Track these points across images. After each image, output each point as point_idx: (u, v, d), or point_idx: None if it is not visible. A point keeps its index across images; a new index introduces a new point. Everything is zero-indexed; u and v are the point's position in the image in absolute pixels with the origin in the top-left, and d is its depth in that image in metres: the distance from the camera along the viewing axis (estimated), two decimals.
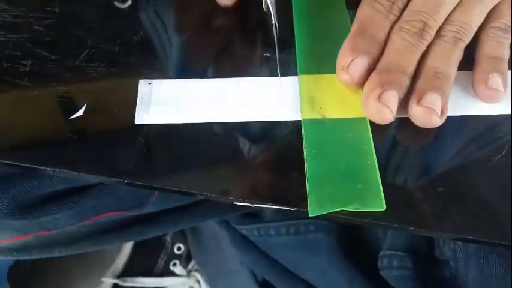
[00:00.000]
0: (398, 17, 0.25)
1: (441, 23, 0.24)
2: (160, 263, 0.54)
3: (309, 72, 0.25)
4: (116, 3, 0.28)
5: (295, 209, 0.21)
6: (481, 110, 0.25)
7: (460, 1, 0.25)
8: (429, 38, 0.24)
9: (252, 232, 0.43)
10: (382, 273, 0.33)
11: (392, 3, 0.25)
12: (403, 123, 0.23)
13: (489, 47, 0.25)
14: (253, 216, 0.43)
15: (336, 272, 0.37)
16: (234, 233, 0.45)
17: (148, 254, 0.55)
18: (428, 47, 0.24)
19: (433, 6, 0.24)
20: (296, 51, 0.26)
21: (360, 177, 0.22)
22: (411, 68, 0.24)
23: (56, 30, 0.27)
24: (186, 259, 0.55)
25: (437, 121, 0.23)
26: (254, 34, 0.28)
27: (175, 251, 0.55)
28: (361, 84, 0.24)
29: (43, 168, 0.22)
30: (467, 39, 0.25)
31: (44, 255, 0.34)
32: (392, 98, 0.22)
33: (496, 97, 0.24)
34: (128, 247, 0.55)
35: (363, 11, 0.25)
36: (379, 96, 0.22)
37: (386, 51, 0.24)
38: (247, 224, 0.43)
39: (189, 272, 0.55)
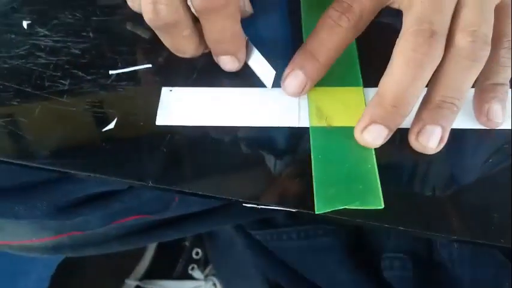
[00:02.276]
0: (354, 30, 0.25)
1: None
2: (179, 267, 0.58)
3: (315, 84, 0.28)
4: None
5: (298, 210, 0.24)
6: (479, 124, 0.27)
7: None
8: (440, 52, 0.23)
9: (265, 237, 0.46)
10: (385, 274, 0.35)
11: (342, 13, 0.25)
12: (403, 132, 0.26)
13: (493, 74, 0.26)
14: (267, 222, 0.46)
15: (342, 274, 0.39)
16: (249, 238, 0.47)
17: (168, 258, 0.58)
18: (444, 60, 0.23)
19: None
20: None
21: (361, 179, 0.24)
22: (412, 103, 0.24)
23: (90, 53, 0.31)
24: (203, 263, 0.58)
25: (433, 151, 0.25)
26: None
27: (194, 255, 0.58)
28: (299, 95, 0.27)
29: (79, 173, 0.25)
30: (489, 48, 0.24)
31: (77, 254, 0.37)
32: (378, 135, 0.24)
33: (495, 126, 0.26)
34: (150, 251, 0.58)
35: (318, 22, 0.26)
36: (365, 129, 0.24)
37: (388, 79, 0.24)
38: (261, 229, 0.46)
39: (206, 276, 0.58)
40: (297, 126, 0.27)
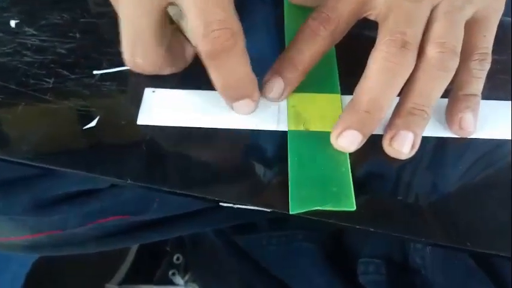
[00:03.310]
0: (331, 39, 0.27)
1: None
2: (160, 272, 0.58)
3: (295, 90, 0.29)
4: None
5: (273, 210, 0.25)
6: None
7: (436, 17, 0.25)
8: (412, 61, 0.24)
9: (246, 242, 0.46)
10: (360, 279, 0.36)
11: (320, 23, 0.26)
12: (377, 138, 0.27)
13: (466, 85, 0.27)
14: (248, 227, 0.46)
15: (319, 278, 0.40)
16: (230, 244, 0.48)
17: (149, 263, 0.58)
18: (416, 69, 0.25)
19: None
20: None
21: (335, 181, 0.25)
22: (385, 109, 0.25)
23: (76, 54, 0.31)
24: (184, 269, 0.58)
25: (406, 156, 0.26)
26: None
27: (174, 260, 0.58)
28: (278, 100, 0.28)
29: (59, 168, 0.26)
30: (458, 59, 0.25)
31: (56, 253, 0.37)
32: (353, 140, 0.25)
33: (467, 135, 0.27)
34: (131, 255, 0.58)
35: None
36: (340, 134, 0.25)
37: (363, 86, 0.25)
38: (243, 234, 0.46)
39: (186, 282, 0.58)
40: (275, 129, 0.28)
